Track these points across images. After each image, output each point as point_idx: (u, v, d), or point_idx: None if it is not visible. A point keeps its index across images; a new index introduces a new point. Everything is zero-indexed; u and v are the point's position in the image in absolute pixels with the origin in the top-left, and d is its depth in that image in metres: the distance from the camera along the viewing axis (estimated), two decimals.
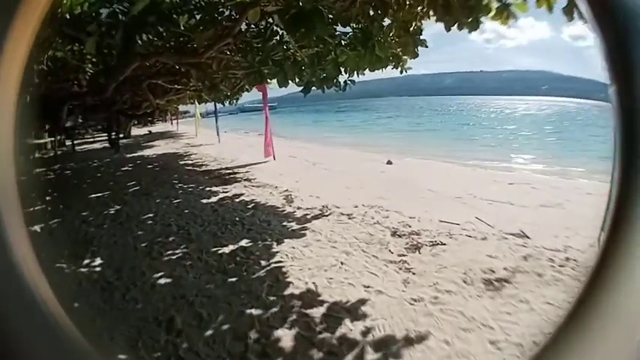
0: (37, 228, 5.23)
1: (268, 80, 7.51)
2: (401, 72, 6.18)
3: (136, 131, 30.23)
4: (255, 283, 3.35)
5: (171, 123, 35.29)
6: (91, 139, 23.36)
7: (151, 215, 5.61)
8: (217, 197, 6.47)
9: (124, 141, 20.58)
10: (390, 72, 5.96)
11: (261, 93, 10.47)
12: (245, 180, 7.82)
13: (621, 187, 0.35)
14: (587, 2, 0.37)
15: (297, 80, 6.14)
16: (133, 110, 12.07)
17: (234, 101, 13.38)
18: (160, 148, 16.32)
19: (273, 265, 3.71)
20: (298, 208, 5.59)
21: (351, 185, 7.05)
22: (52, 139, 13.82)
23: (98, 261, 4.09)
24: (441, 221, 4.73)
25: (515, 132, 22.45)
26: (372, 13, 4.22)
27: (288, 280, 3.41)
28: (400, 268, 3.56)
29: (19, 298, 0.35)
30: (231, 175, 8.46)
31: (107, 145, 16.24)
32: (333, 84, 5.59)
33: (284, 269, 3.61)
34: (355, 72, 5.73)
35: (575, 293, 0.35)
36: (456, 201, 5.87)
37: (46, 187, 8.58)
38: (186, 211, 5.71)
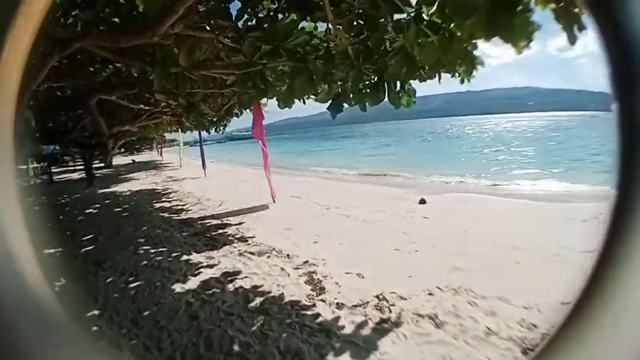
0: None
1: (265, 97, 5.38)
2: (462, 82, 4.26)
3: (119, 160, 28.48)
4: None
5: (157, 152, 33.83)
6: (72, 168, 21.67)
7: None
8: (198, 279, 3.94)
9: (104, 171, 18.85)
10: None
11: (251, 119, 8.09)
12: (239, 240, 5.28)
13: (620, 192, 0.36)
14: (595, 24, 0.37)
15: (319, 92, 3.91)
16: (95, 139, 9.52)
17: (222, 129, 11.81)
18: (138, 182, 14.28)
19: None
20: (337, 305, 3.18)
21: (399, 246, 4.71)
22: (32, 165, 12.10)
23: None
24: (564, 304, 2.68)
25: (527, 152, 21.53)
26: None
27: None
28: None
29: (14, 285, 0.35)
30: (219, 231, 5.93)
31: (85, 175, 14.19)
32: (390, 94, 3.22)
33: None
34: (415, 77, 3.53)
35: (576, 294, 0.36)
36: (555, 260, 4.01)
37: None
38: (145, 313, 3.28)
